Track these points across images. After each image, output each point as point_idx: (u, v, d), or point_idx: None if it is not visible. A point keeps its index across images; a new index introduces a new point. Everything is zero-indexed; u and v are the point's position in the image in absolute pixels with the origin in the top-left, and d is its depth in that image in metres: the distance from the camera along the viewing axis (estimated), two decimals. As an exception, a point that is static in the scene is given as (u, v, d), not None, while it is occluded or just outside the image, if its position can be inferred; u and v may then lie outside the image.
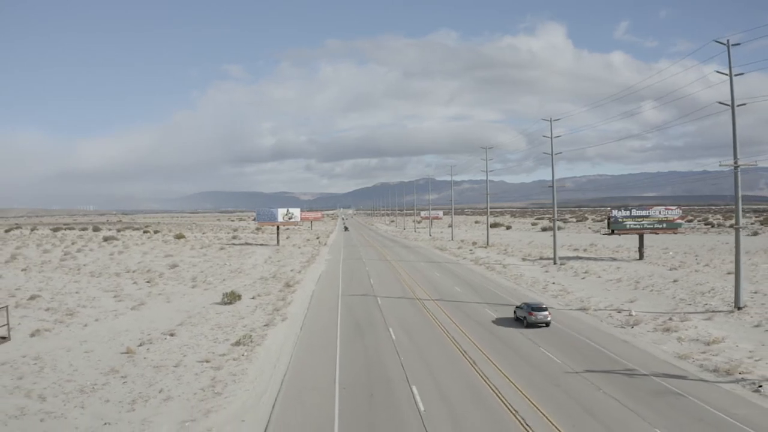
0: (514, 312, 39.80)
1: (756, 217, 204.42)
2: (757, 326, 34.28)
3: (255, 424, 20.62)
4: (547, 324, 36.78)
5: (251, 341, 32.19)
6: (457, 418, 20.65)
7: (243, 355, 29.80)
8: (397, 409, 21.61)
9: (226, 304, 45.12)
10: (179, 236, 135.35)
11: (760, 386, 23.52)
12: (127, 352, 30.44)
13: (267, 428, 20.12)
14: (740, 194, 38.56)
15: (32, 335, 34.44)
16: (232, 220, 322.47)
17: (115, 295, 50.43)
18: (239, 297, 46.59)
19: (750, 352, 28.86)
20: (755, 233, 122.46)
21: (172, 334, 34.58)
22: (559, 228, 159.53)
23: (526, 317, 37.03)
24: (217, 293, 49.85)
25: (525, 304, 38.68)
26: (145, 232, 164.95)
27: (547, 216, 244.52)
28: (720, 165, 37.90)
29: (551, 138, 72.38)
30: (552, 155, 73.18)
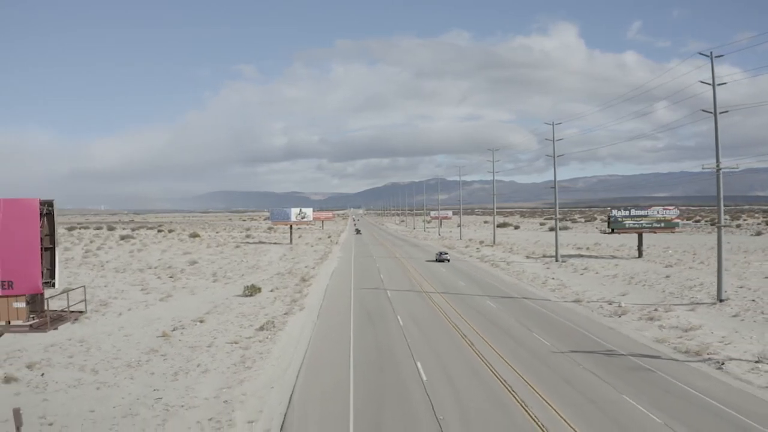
0: (435, 256, 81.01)
1: (763, 217, 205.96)
2: (734, 316, 37.36)
3: (282, 390, 24.16)
4: (449, 260, 77.63)
5: (273, 327, 35.79)
6: (455, 386, 24.12)
7: (267, 338, 33.40)
8: (403, 379, 25.14)
9: (247, 296, 48.72)
10: (194, 235, 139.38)
11: (723, 364, 26.74)
12: (163, 336, 34.07)
13: (293, 393, 23.64)
14: (722, 195, 41.60)
15: (73, 322, 38.07)
16: (244, 220, 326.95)
17: (143, 288, 54.15)
18: (259, 290, 50.20)
19: (722, 337, 31.99)
20: (758, 233, 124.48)
21: (201, 321, 38.27)
22: (567, 228, 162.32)
23: (438, 258, 78.50)
24: (238, 287, 53.50)
25: (439, 252, 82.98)
26: (159, 231, 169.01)
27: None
28: (703, 168, 40.99)
29: (553, 141, 75.71)
30: (554, 157, 76.45)
